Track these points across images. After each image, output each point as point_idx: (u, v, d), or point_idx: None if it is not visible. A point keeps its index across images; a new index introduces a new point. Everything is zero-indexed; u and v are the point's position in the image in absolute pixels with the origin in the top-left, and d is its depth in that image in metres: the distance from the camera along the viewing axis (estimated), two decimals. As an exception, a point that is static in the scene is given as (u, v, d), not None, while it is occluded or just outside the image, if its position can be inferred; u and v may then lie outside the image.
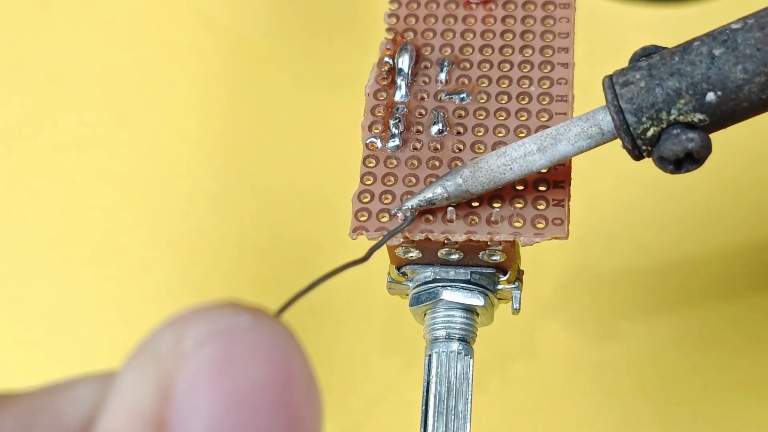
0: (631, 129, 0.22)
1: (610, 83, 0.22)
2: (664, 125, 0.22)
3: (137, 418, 0.13)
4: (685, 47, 0.22)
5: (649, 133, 0.22)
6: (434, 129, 0.25)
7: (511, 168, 0.23)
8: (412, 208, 0.24)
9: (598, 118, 0.23)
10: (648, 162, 0.23)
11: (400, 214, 0.24)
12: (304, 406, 0.13)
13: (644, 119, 0.22)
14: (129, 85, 0.40)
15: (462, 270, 0.25)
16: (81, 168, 0.39)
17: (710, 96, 0.22)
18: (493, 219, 0.24)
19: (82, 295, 0.37)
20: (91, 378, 0.14)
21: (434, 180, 0.24)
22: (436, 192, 0.23)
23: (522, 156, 0.23)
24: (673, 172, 0.22)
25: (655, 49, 0.23)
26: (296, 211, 0.38)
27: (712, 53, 0.22)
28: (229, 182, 0.39)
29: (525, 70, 0.26)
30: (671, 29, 0.39)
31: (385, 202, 0.24)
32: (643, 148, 0.22)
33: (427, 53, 0.26)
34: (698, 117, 0.22)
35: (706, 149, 0.22)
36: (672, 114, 0.22)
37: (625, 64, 0.23)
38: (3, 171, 0.39)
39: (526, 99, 0.25)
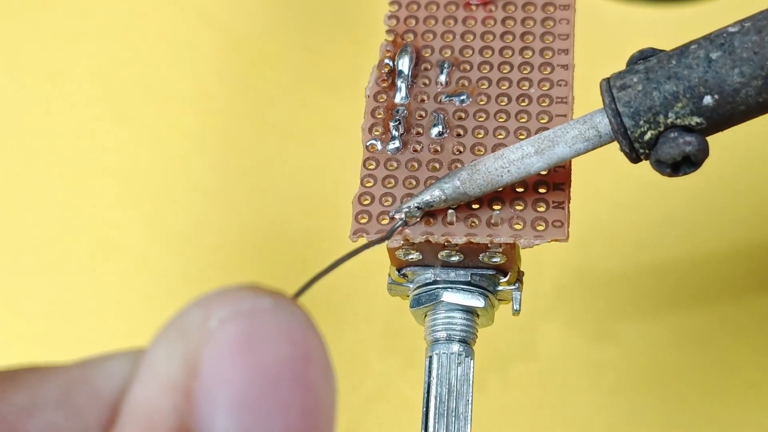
0: (629, 132, 0.22)
1: (608, 86, 0.22)
2: (662, 129, 0.22)
3: (166, 390, 0.14)
4: (682, 50, 0.22)
5: (647, 137, 0.22)
6: (434, 131, 0.25)
7: (508, 170, 0.23)
8: (409, 210, 0.24)
9: (596, 121, 0.23)
10: (647, 163, 0.23)
11: (398, 216, 0.24)
12: (320, 383, 0.14)
13: (642, 123, 0.22)
14: (128, 82, 0.41)
15: (462, 272, 0.25)
16: (80, 164, 0.39)
17: (707, 99, 0.22)
18: (493, 221, 0.24)
19: (81, 291, 0.37)
20: (124, 353, 0.15)
21: (433, 182, 0.24)
22: (434, 194, 0.23)
23: (519, 158, 0.23)
24: (670, 175, 0.22)
25: (653, 52, 0.23)
26: (295, 208, 0.38)
27: (709, 56, 0.22)
28: (229, 179, 0.39)
29: (525, 72, 0.26)
30: (671, 29, 0.39)
31: (386, 204, 0.24)
32: (641, 151, 0.22)
33: (427, 55, 0.26)
34: (695, 120, 0.22)
35: (704, 152, 0.22)
36: (669, 117, 0.22)
37: (624, 64, 0.23)
38: (1, 167, 0.39)
39: (526, 101, 0.26)
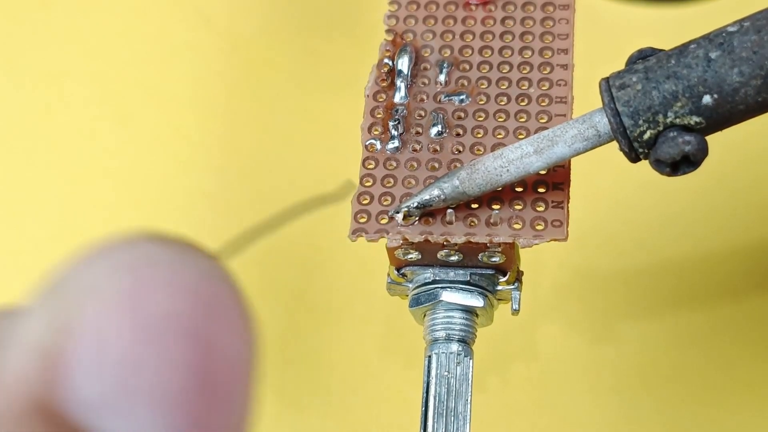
0: (628, 132, 0.22)
1: (607, 86, 0.23)
2: (661, 128, 0.22)
3: (30, 353, 0.12)
4: (682, 50, 0.22)
5: (646, 136, 0.22)
6: (434, 131, 0.25)
7: (507, 170, 0.23)
8: (408, 210, 0.24)
9: (595, 120, 0.23)
10: (646, 163, 0.23)
11: (398, 216, 0.24)
12: (222, 336, 0.13)
13: (641, 122, 0.22)
14: (128, 83, 0.40)
15: (461, 271, 0.25)
16: (79, 166, 0.39)
17: (706, 99, 0.22)
18: (492, 221, 0.24)
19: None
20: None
21: (432, 181, 0.24)
22: (432, 194, 0.23)
23: (519, 158, 0.23)
24: (669, 175, 0.22)
25: (652, 52, 0.23)
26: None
27: (708, 56, 0.22)
28: (228, 181, 0.39)
29: (524, 72, 0.26)
30: (671, 29, 0.39)
31: (385, 203, 0.24)
32: (640, 150, 0.22)
33: (426, 55, 0.26)
34: (695, 120, 0.22)
35: (703, 152, 0.22)
36: (669, 117, 0.22)
37: (624, 64, 0.23)
38: (1, 169, 0.39)
39: (526, 101, 0.26)
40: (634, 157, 0.23)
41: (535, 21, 0.27)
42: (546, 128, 0.25)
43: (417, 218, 0.24)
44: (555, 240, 0.24)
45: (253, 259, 0.37)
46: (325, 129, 0.39)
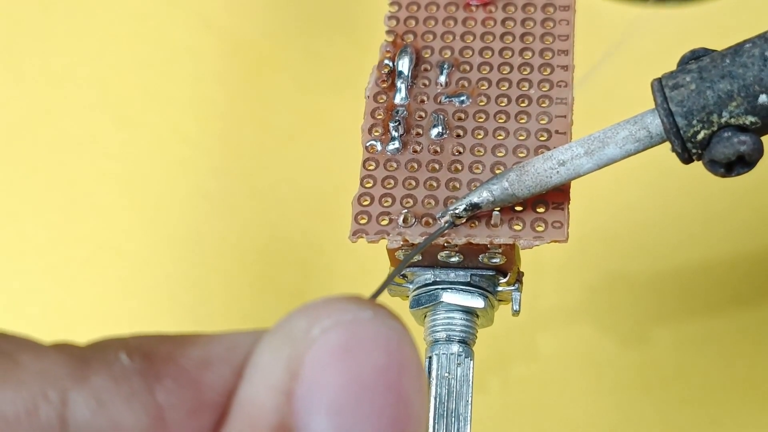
0: (681, 132, 0.22)
1: (659, 86, 0.22)
2: (715, 128, 0.22)
3: (269, 390, 0.15)
4: (736, 49, 0.22)
5: (700, 136, 0.22)
6: (434, 132, 0.25)
7: (558, 171, 0.23)
8: (457, 213, 0.23)
9: (647, 121, 0.22)
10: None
11: (443, 220, 0.24)
12: (412, 391, 0.15)
13: (695, 122, 0.22)
14: (129, 86, 0.40)
15: (462, 272, 0.25)
16: (81, 169, 0.39)
17: (763, 98, 0.21)
18: (492, 222, 0.24)
19: (82, 296, 0.37)
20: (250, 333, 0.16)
21: (479, 184, 0.24)
22: (482, 196, 0.23)
23: (569, 159, 0.23)
24: (724, 176, 0.22)
25: (705, 52, 0.22)
26: (296, 212, 0.38)
27: (764, 55, 0.21)
28: (229, 183, 0.39)
29: (525, 73, 0.26)
30: (671, 29, 0.39)
31: (385, 205, 0.24)
32: (693, 151, 0.22)
33: (427, 56, 0.26)
34: (750, 120, 0.22)
35: (758, 152, 0.22)
36: (723, 117, 0.22)
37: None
38: (3, 172, 0.39)
39: (526, 101, 0.26)
40: (686, 157, 0.22)
41: (535, 22, 0.27)
42: (546, 129, 0.25)
43: (464, 221, 0.24)
44: (555, 241, 0.24)
45: (253, 259, 0.37)
46: (325, 130, 0.39)
